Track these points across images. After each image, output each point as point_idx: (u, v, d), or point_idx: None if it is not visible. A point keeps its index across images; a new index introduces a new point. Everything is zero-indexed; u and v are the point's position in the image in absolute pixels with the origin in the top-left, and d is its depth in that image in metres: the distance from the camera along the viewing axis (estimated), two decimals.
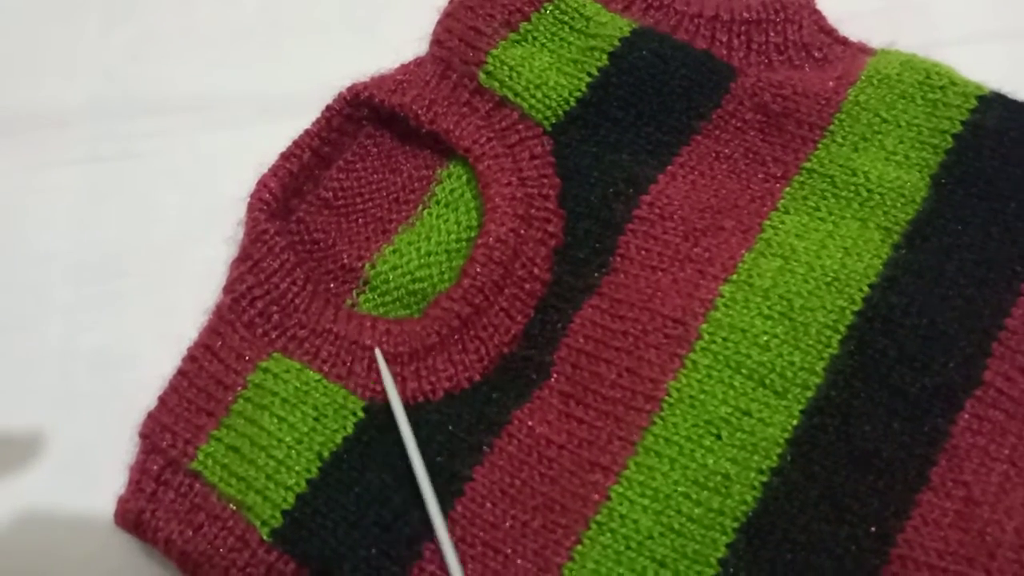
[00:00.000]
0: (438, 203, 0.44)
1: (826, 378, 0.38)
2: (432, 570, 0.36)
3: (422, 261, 0.43)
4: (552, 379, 0.40)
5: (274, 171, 0.43)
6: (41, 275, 0.44)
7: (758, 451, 0.38)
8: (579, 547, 0.37)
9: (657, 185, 0.43)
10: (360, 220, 0.45)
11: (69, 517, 0.40)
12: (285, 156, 0.44)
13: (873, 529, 0.36)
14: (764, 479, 0.37)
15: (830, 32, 0.46)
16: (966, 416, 0.38)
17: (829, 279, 0.40)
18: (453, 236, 0.43)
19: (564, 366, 0.40)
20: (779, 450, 0.38)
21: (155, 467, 0.39)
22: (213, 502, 0.38)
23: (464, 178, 0.44)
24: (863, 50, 0.45)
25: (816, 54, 0.45)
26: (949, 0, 0.48)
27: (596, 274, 0.41)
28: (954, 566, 0.35)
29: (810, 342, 0.39)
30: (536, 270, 0.41)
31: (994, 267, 0.40)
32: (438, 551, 0.37)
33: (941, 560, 0.35)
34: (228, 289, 0.41)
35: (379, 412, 0.39)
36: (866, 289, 0.40)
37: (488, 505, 0.38)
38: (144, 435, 0.39)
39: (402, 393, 0.40)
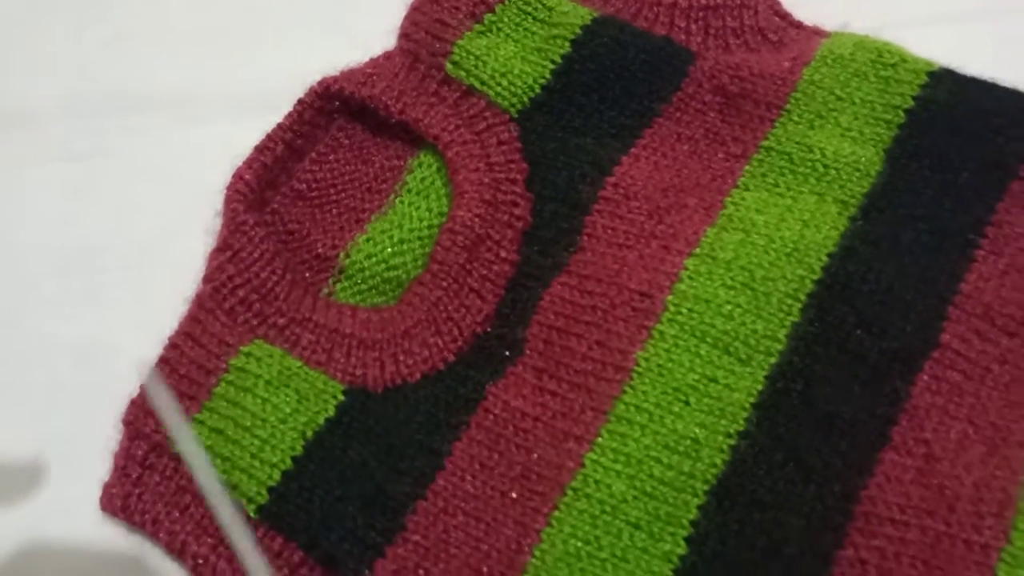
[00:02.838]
0: (410, 191, 0.45)
1: (788, 344, 0.40)
2: (416, 540, 0.38)
3: (395, 249, 0.44)
4: (525, 355, 0.41)
5: (249, 163, 0.44)
6: (24, 270, 0.45)
7: (725, 416, 0.39)
8: (556, 513, 0.38)
9: (621, 167, 0.44)
10: (334, 210, 0.46)
11: (54, 506, 0.41)
12: (259, 149, 0.45)
13: (838, 488, 0.37)
14: (732, 442, 0.39)
15: (785, 16, 0.47)
16: (925, 377, 0.39)
17: (788, 250, 0.41)
18: (425, 223, 0.44)
19: (536, 342, 0.41)
20: (745, 414, 0.39)
21: (139, 452, 0.39)
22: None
23: (435, 166, 0.45)
24: (817, 32, 0.47)
25: (772, 37, 0.46)
26: None
27: (564, 253, 0.43)
28: (915, 520, 0.36)
29: (772, 311, 0.40)
30: (504, 252, 0.43)
31: (948, 235, 0.42)
32: (421, 522, 0.38)
33: (903, 514, 0.36)
34: (208, 279, 0.42)
35: (360, 395, 0.41)
36: (824, 259, 0.41)
37: (468, 478, 0.39)
38: (128, 422, 0.40)
39: (381, 376, 0.41)
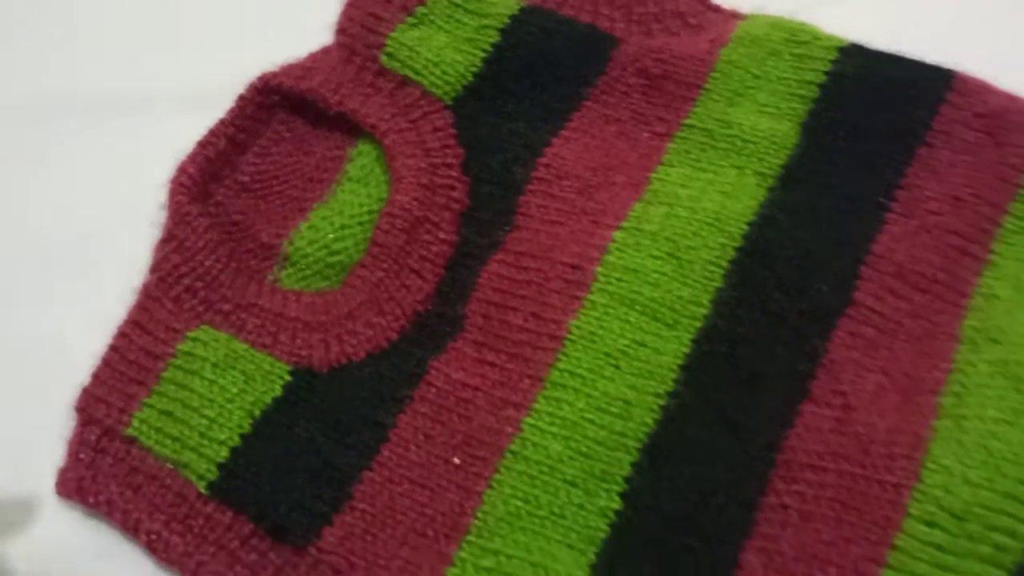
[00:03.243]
0: (350, 179, 0.47)
1: (712, 309, 0.42)
2: (363, 508, 0.39)
3: (337, 234, 0.46)
4: (465, 331, 0.43)
5: (192, 157, 0.46)
6: None
7: (654, 378, 0.41)
8: (497, 476, 0.40)
9: (552, 148, 0.46)
10: (277, 201, 0.48)
11: (9, 497, 0.42)
12: (202, 144, 0.46)
13: (761, 439, 0.39)
14: (661, 403, 0.41)
15: (707, 3, 0.50)
16: (841, 334, 0.41)
17: (710, 220, 0.44)
18: (366, 209, 0.46)
19: (475, 317, 0.43)
20: (673, 376, 0.41)
21: (92, 437, 0.41)
22: (150, 463, 0.40)
23: (373, 154, 0.47)
24: (734, 15, 0.49)
25: (691, 21, 0.49)
26: None
27: (500, 232, 0.45)
28: (833, 464, 0.38)
29: (696, 277, 0.43)
30: (443, 233, 0.45)
31: (860, 201, 0.44)
32: (367, 491, 0.39)
33: (821, 460, 0.38)
34: (154, 268, 0.44)
35: (306, 375, 0.42)
36: (744, 227, 0.43)
37: (412, 448, 0.41)
38: (80, 408, 0.41)
39: (326, 356, 0.43)
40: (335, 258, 0.45)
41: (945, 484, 0.36)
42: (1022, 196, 0.43)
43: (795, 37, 0.47)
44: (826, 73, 0.46)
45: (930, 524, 0.36)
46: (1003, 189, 0.43)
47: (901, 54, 0.46)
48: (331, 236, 0.45)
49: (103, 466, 0.40)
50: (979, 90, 0.44)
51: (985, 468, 0.36)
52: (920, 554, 0.36)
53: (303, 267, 0.46)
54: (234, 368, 0.42)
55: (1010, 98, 0.44)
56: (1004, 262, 0.43)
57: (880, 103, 0.45)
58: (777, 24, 0.47)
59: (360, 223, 0.46)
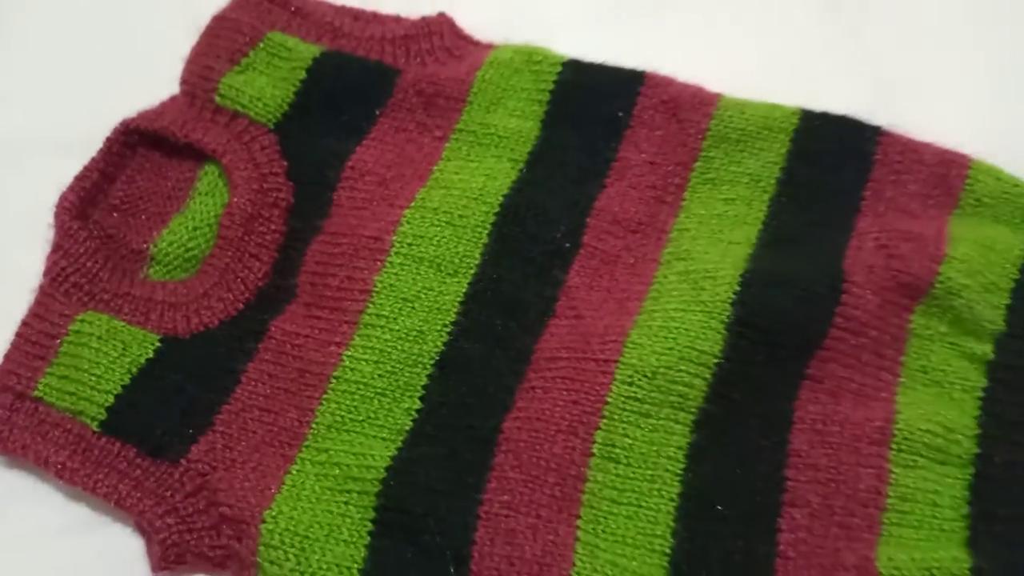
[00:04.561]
0: (200, 193, 0.60)
1: (481, 259, 0.56)
2: (222, 430, 0.51)
3: (191, 235, 0.58)
4: (297, 296, 0.56)
5: (71, 187, 0.58)
6: None
7: (441, 312, 0.54)
8: (325, 396, 0.52)
9: (356, 154, 0.60)
10: (143, 216, 0.60)
11: None
12: (79, 177, 0.58)
13: (519, 346, 0.53)
14: (447, 330, 0.54)
15: (465, 38, 0.64)
16: (575, 267, 0.56)
17: (476, 196, 0.57)
18: (213, 213, 0.59)
19: (304, 286, 0.56)
20: (456, 310, 0.54)
21: (8, 401, 0.52)
22: (54, 415, 0.52)
23: (216, 172, 0.60)
24: (488, 47, 0.64)
25: (455, 53, 0.63)
26: (554, 8, 0.69)
27: (319, 220, 0.58)
28: (566, 354, 0.52)
29: (468, 237, 0.56)
30: (274, 225, 0.57)
31: (586, 171, 0.59)
32: (226, 419, 0.52)
33: (558, 353, 0.52)
34: (47, 272, 0.55)
35: (172, 341, 0.54)
36: (501, 199, 0.57)
37: (260, 386, 0.53)
38: None
39: (187, 326, 0.55)
40: (191, 253, 0.58)
41: (639, 355, 0.51)
42: (702, 157, 0.59)
43: (531, 58, 0.62)
44: (555, 82, 0.61)
45: (630, 383, 0.50)
46: (686, 153, 0.59)
47: (606, 64, 0.61)
48: (186, 237, 0.58)
49: (18, 422, 0.52)
50: (663, 83, 0.60)
51: (666, 341, 0.51)
52: (625, 405, 0.50)
53: (166, 263, 0.58)
54: (114, 339, 0.53)
55: (685, 86, 0.60)
56: (691, 206, 0.58)
57: (592, 99, 0.60)
58: (518, 50, 0.62)
59: (209, 225, 0.58)
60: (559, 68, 0.62)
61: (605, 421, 0.50)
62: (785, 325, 0.52)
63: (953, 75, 0.64)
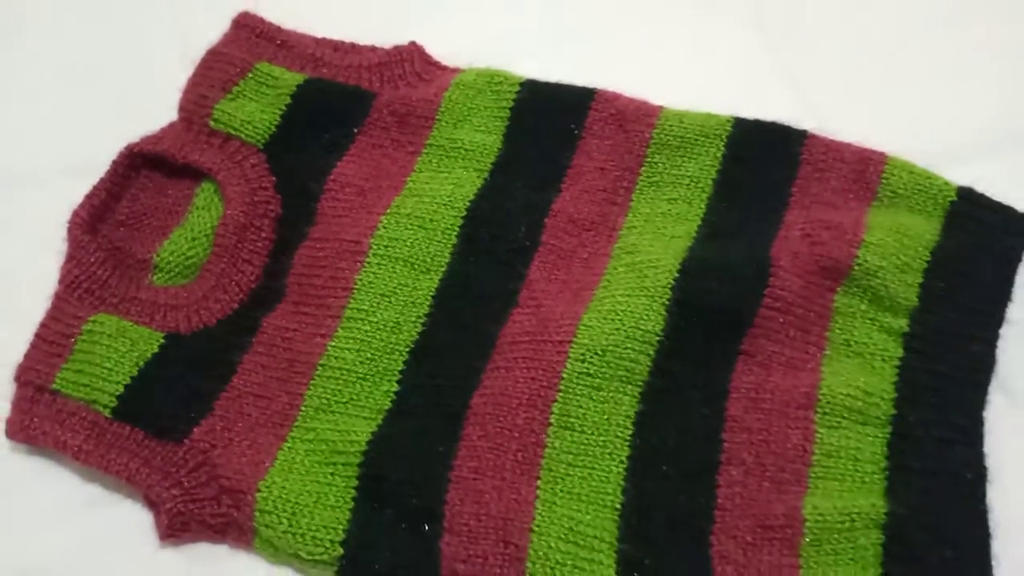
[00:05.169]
0: (198, 208, 0.66)
1: (451, 258, 0.62)
2: (221, 414, 0.57)
3: (190, 245, 0.65)
4: (286, 296, 0.62)
5: (82, 205, 0.64)
6: None
7: (415, 306, 0.61)
8: (312, 381, 0.59)
9: (338, 169, 0.66)
10: (147, 230, 0.66)
11: None
12: (89, 195, 0.65)
13: (486, 333, 0.59)
14: (421, 321, 0.60)
15: (434, 64, 0.71)
16: (535, 263, 0.62)
17: (445, 202, 0.64)
18: (210, 225, 0.65)
19: (292, 286, 0.62)
20: (428, 303, 0.61)
21: (29, 394, 0.58)
22: (71, 404, 0.58)
23: (212, 189, 0.67)
24: (455, 70, 0.71)
25: (425, 77, 0.70)
26: (514, 36, 0.76)
27: (305, 228, 0.64)
28: (527, 337, 0.58)
29: (439, 239, 0.63)
30: (264, 233, 0.64)
31: (543, 179, 0.65)
32: (224, 404, 0.58)
33: (520, 337, 0.58)
34: (62, 280, 0.62)
35: (175, 338, 0.60)
36: (468, 204, 0.64)
37: (254, 375, 0.59)
38: (18, 377, 0.59)
39: (189, 325, 0.61)
40: (190, 261, 0.64)
41: (590, 336, 0.57)
42: (647, 162, 0.66)
43: (492, 79, 0.69)
44: (514, 100, 0.68)
45: (582, 361, 0.57)
46: (633, 159, 0.66)
47: (560, 82, 0.68)
48: (186, 246, 0.65)
49: (38, 412, 0.58)
50: (611, 98, 0.67)
51: (614, 323, 0.57)
52: (578, 380, 0.56)
53: (168, 270, 0.64)
54: (123, 337, 0.60)
55: (630, 100, 0.67)
56: (638, 206, 0.65)
57: (547, 114, 0.67)
58: (480, 72, 0.69)
59: (206, 235, 0.65)
60: (518, 87, 0.69)
61: (561, 394, 0.56)
62: (719, 306, 0.58)
63: (868, 83, 0.72)
